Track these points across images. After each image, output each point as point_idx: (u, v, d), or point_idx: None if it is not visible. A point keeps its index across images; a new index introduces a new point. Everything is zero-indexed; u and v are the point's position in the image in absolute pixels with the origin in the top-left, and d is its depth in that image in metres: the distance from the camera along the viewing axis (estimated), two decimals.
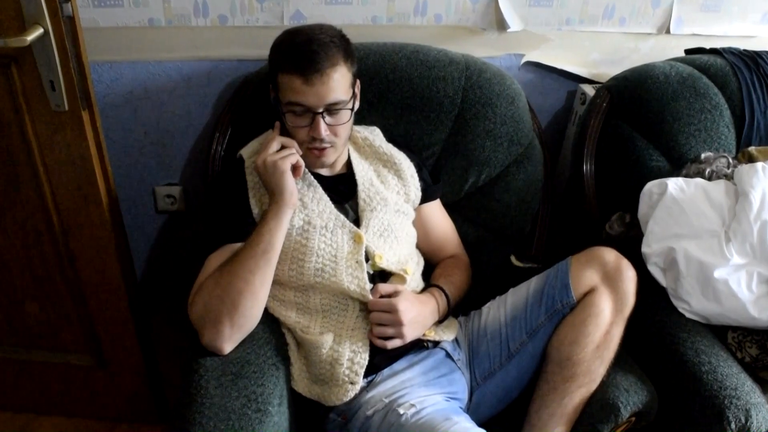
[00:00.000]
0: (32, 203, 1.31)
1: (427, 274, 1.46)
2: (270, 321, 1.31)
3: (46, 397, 1.69)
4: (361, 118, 1.49)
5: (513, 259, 1.62)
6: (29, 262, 1.41)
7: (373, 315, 1.25)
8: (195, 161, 1.75)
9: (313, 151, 1.27)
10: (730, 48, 1.68)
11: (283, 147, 1.25)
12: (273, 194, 1.23)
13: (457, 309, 1.43)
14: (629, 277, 1.26)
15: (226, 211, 1.30)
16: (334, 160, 1.33)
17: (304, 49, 1.19)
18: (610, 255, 1.28)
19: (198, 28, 1.56)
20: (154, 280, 1.95)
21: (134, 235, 1.86)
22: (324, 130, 1.22)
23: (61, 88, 1.12)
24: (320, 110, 1.21)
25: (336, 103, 1.22)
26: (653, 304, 1.39)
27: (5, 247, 1.39)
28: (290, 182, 1.22)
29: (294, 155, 1.24)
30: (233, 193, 1.30)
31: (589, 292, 1.26)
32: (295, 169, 1.25)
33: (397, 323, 1.23)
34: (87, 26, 1.48)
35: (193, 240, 1.85)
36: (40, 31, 1.07)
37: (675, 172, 1.54)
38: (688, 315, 1.36)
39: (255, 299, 1.19)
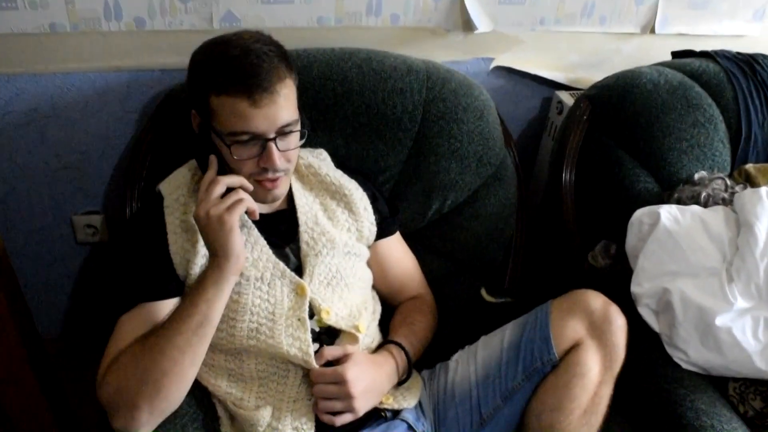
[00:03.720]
0: None
1: (387, 318, 1.26)
2: (198, 391, 1.10)
3: None
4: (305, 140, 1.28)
5: (484, 293, 1.43)
6: None
7: (317, 388, 1.04)
8: (117, 187, 1.51)
9: (263, 183, 1.04)
10: (723, 51, 1.50)
11: (228, 189, 1.01)
12: (215, 255, 1.00)
13: (421, 360, 1.24)
14: (619, 326, 1.08)
15: (140, 260, 1.06)
16: (285, 191, 1.11)
17: (243, 64, 0.97)
18: (596, 301, 1.10)
19: (111, 33, 1.32)
20: (81, 320, 1.71)
21: (54, 269, 1.64)
22: (278, 158, 1.01)
23: None
24: (272, 136, 0.99)
25: (288, 125, 1.01)
26: (645, 352, 1.21)
27: None
28: (238, 242, 0.99)
29: (243, 201, 0.99)
30: (149, 238, 1.06)
31: (574, 347, 1.08)
32: (248, 213, 1.03)
33: (346, 396, 1.03)
34: None
35: None
36: None
37: (666, 194, 1.36)
38: (684, 366, 1.19)
39: (182, 382, 0.98)
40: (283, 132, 1.01)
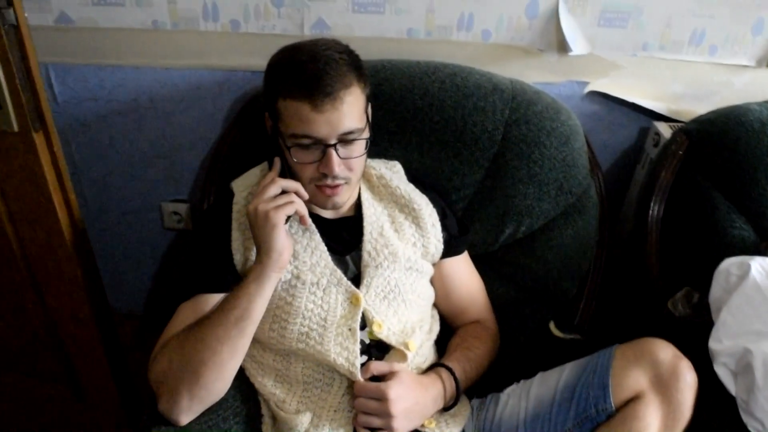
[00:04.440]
0: None
1: (445, 338, 1.23)
2: (245, 386, 1.12)
3: (25, 426, 1.56)
4: (379, 151, 1.27)
5: (552, 327, 1.37)
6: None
7: (358, 402, 1.03)
8: (201, 179, 1.57)
9: (323, 189, 1.05)
10: None
11: (283, 192, 1.03)
12: (259, 251, 1.02)
13: (474, 388, 1.20)
14: (688, 384, 1.00)
15: (204, 253, 1.10)
16: (347, 200, 1.12)
17: (309, 69, 0.98)
18: (665, 352, 1.02)
19: (207, 32, 1.38)
20: (161, 301, 1.80)
21: (141, 251, 1.73)
22: (337, 165, 1.01)
23: (8, 107, 0.95)
24: (333, 142, 1.00)
25: (350, 132, 1.01)
26: (716, 415, 1.10)
27: None
28: (281, 239, 1.01)
29: (293, 204, 1.01)
30: (215, 232, 1.10)
31: (634, 399, 1.01)
32: (300, 217, 1.05)
33: (386, 414, 1.01)
34: (85, 26, 1.37)
35: None
36: None
37: (763, 244, 1.24)
38: None
39: (221, 372, 1.00)
40: (344, 139, 1.01)
